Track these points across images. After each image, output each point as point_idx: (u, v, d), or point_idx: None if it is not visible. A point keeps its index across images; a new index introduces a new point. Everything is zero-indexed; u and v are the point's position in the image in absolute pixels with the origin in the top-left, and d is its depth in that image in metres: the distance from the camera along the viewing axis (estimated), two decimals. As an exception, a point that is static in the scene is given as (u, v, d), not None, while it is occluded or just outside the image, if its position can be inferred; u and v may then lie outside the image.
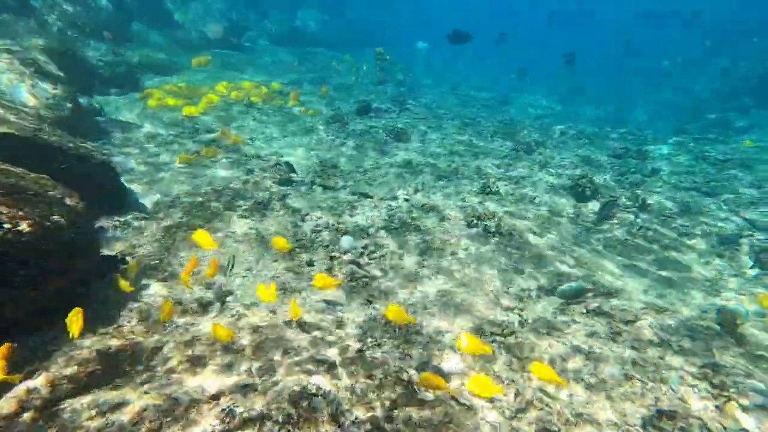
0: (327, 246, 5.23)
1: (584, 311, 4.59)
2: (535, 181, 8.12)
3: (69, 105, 5.76)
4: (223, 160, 6.86)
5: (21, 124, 3.99)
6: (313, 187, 6.91)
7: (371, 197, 6.93)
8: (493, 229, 6.08)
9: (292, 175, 7.06)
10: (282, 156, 7.64)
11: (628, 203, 7.48)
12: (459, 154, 9.16)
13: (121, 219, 4.58)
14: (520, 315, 4.44)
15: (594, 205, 7.34)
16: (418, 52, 22.92)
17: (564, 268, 5.45)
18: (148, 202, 5.13)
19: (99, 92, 8.83)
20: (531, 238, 6.11)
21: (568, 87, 20.42)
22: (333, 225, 5.71)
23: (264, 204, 5.78)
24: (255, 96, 9.96)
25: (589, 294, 4.96)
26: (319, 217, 5.84)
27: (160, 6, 16.87)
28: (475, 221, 6.21)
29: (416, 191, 7.31)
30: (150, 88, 9.17)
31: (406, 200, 6.90)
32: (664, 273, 5.74)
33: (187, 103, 8.42)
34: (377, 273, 4.89)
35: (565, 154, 9.74)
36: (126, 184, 5.39)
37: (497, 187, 7.40)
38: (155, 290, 3.86)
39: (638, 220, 7.04)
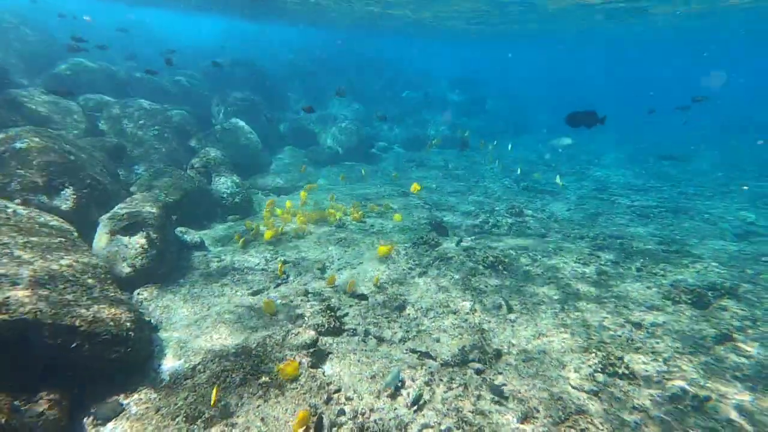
0: (336, 456, 3.84)
1: None
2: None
3: (153, 252, 6.31)
4: (276, 298, 6.44)
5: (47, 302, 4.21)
6: (367, 338, 5.75)
7: (434, 358, 5.33)
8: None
9: (346, 319, 6.11)
10: (339, 292, 6.87)
11: None
12: (577, 296, 6.75)
13: (124, 401, 4.28)
14: None
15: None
16: (554, 148, 19.86)
17: None
18: (168, 371, 4.82)
19: (221, 219, 10.09)
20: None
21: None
22: (362, 411, 4.34)
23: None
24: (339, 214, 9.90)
25: None
26: (350, 398, 4.56)
27: (306, 130, 20.02)
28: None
29: (498, 355, 5.36)
30: (250, 219, 10.06)
31: (479, 372, 5.02)
32: None
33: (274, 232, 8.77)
34: None
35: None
36: (164, 340, 5.32)
37: (627, 367, 4.80)
38: None
39: None
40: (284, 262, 7.69)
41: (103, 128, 11.59)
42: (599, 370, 4.77)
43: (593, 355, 5.03)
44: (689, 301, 5.98)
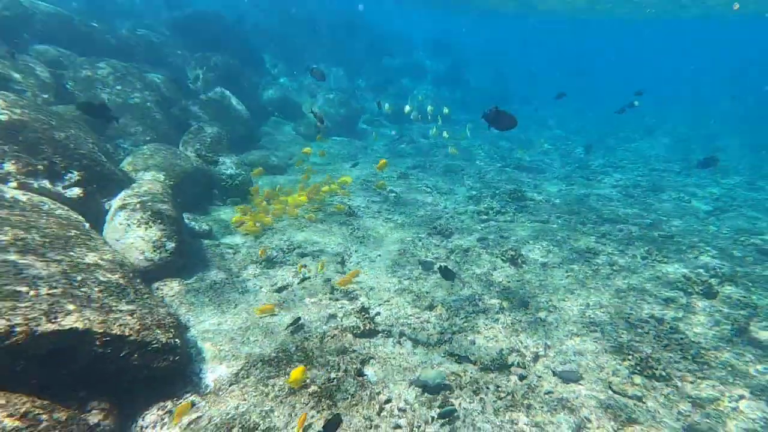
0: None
1: None
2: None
3: (172, 245, 5.80)
4: (304, 296, 6.21)
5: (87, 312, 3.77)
6: (401, 340, 5.71)
7: (473, 362, 5.41)
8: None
9: (377, 318, 6.02)
10: (365, 287, 6.73)
11: None
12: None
13: (167, 408, 4.00)
14: None
15: None
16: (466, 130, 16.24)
17: None
18: (211, 376, 4.55)
19: (220, 202, 9.39)
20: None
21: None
22: (418, 425, 4.34)
23: (337, 381, 4.76)
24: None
25: None
26: (402, 410, 4.54)
27: (292, 102, 18.94)
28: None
29: (536, 357, 5.54)
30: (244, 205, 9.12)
31: (522, 378, 5.17)
32: None
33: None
34: None
35: None
36: (198, 342, 4.98)
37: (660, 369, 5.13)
38: None
39: None
40: (302, 255, 7.39)
41: (72, 91, 10.24)
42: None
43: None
44: (702, 292, 6.43)
